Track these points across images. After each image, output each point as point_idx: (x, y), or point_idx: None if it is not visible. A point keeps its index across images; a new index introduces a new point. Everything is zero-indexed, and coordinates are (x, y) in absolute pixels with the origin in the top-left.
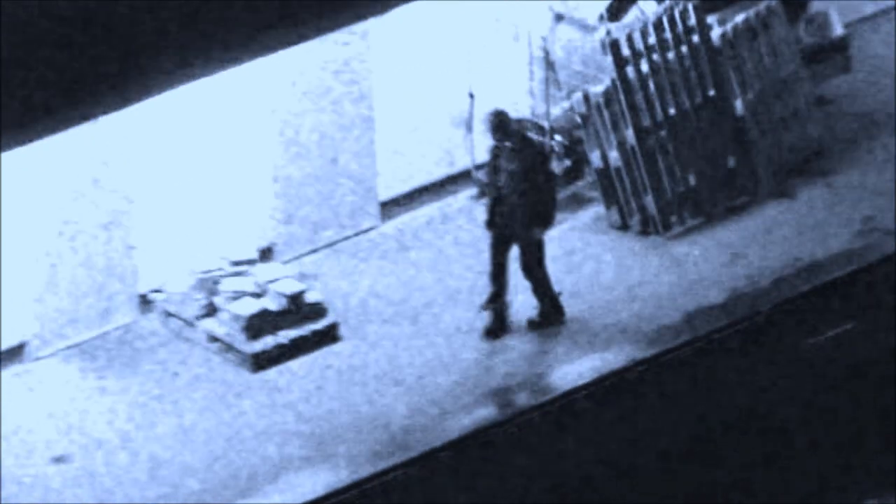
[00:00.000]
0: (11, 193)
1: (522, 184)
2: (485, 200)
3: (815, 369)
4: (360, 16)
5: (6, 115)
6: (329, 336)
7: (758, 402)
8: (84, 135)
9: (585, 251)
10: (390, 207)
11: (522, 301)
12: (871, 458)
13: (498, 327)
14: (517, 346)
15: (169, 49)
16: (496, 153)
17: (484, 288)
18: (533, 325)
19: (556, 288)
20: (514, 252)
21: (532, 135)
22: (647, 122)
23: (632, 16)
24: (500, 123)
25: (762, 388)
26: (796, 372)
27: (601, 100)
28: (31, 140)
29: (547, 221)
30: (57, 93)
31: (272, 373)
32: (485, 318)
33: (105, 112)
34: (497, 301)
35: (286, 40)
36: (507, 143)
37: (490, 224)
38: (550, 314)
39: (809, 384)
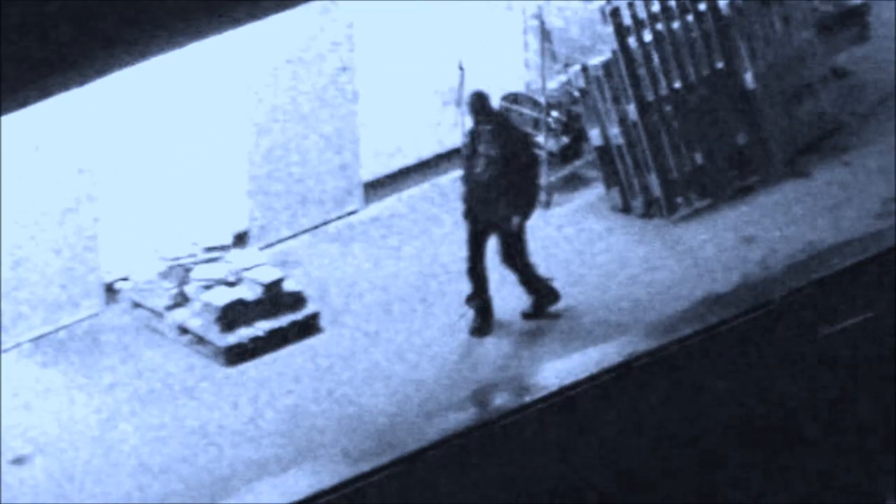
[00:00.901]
0: None
1: (502, 170)
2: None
3: (831, 361)
4: None
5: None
6: (309, 327)
7: (769, 396)
8: (46, 113)
9: (584, 235)
10: (374, 189)
11: (515, 290)
12: (888, 456)
13: (483, 325)
14: (510, 339)
15: (147, 15)
16: (474, 137)
17: None
18: (528, 316)
19: (547, 275)
20: (493, 243)
21: (525, 110)
22: (650, 96)
23: None
24: (480, 105)
25: (774, 382)
26: (810, 364)
27: (601, 72)
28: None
29: (528, 209)
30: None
31: (247, 367)
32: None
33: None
34: (478, 298)
35: (262, 10)
36: (487, 127)
37: (468, 214)
38: (545, 301)
39: (824, 377)
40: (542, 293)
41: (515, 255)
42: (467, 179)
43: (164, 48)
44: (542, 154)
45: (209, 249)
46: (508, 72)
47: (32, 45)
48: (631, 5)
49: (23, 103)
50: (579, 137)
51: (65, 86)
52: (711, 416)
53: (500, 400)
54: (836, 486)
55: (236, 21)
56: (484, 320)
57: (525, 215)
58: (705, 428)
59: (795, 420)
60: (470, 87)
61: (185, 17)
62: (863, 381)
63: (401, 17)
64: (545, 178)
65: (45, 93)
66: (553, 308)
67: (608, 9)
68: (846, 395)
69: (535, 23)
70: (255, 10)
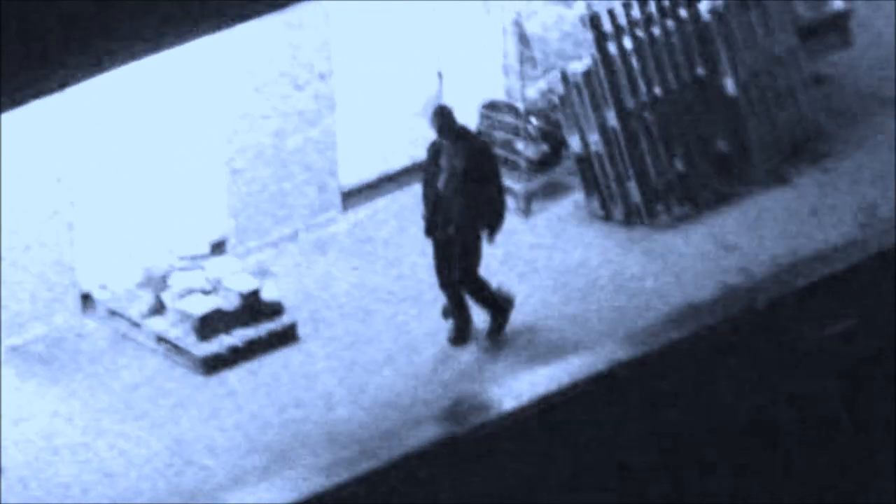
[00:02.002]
0: None
1: (466, 183)
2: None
3: (815, 368)
4: None
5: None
6: (286, 336)
7: (752, 404)
8: (19, 119)
9: (563, 243)
10: (352, 197)
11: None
12: (873, 464)
13: (462, 335)
14: (487, 349)
15: (112, 25)
16: (436, 151)
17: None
18: (493, 335)
19: (497, 282)
20: None
21: (505, 117)
22: (630, 102)
23: None
24: (444, 119)
25: (757, 390)
26: (794, 371)
27: (581, 79)
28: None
29: (497, 221)
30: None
31: (225, 376)
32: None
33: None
34: (455, 310)
35: (235, 16)
36: (449, 140)
37: (430, 231)
38: (505, 312)
39: (808, 384)
40: (499, 305)
41: (471, 275)
42: (429, 195)
43: (148, 51)
44: (521, 161)
45: (186, 258)
46: (488, 79)
47: (14, 48)
48: (611, 11)
49: (4, 106)
50: (559, 144)
51: (45, 90)
52: (693, 423)
53: (480, 410)
54: (819, 490)
55: (225, 23)
56: (462, 331)
57: (494, 227)
58: (687, 434)
59: (776, 426)
60: (449, 95)
61: (169, 20)
62: (845, 387)
63: (379, 26)
64: (525, 185)
65: (25, 97)
66: (534, 316)
67: (588, 15)
68: (827, 402)
69: (515, 29)
70: (245, 12)
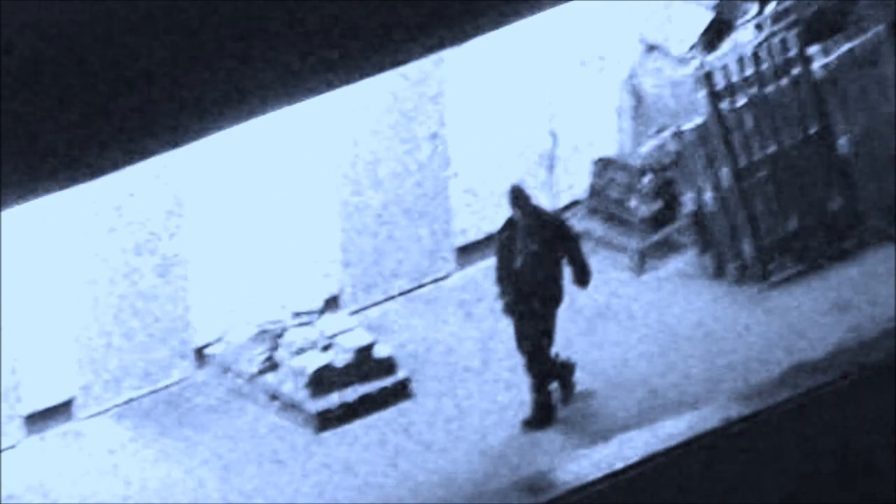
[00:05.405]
0: (58, 241)
1: (544, 262)
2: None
3: None
4: (431, 48)
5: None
6: (400, 394)
7: (864, 465)
8: (135, 176)
9: (676, 301)
10: (467, 253)
11: (600, 352)
12: None
13: (566, 394)
14: (598, 406)
15: (220, 86)
16: (512, 229)
17: (567, 341)
18: (530, 426)
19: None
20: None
21: (617, 175)
22: (744, 160)
23: (727, 46)
24: (517, 198)
25: (869, 450)
26: None
27: (695, 137)
28: (37, 195)
29: (585, 285)
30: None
31: (337, 433)
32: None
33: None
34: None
35: (348, 76)
36: (524, 221)
37: (511, 307)
38: (547, 413)
39: None
40: (544, 401)
41: (542, 352)
42: (507, 274)
43: (263, 110)
44: (635, 219)
45: (300, 314)
46: (601, 136)
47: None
48: (725, 70)
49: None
50: (672, 202)
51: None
52: (805, 483)
53: (591, 468)
54: None
55: (340, 82)
56: (567, 388)
57: (583, 286)
58: (799, 495)
59: (890, 488)
60: (563, 152)
61: (284, 79)
62: None
63: (493, 82)
64: (638, 242)
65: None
66: (647, 374)
67: (702, 73)
68: None
69: (628, 86)
70: (359, 71)
